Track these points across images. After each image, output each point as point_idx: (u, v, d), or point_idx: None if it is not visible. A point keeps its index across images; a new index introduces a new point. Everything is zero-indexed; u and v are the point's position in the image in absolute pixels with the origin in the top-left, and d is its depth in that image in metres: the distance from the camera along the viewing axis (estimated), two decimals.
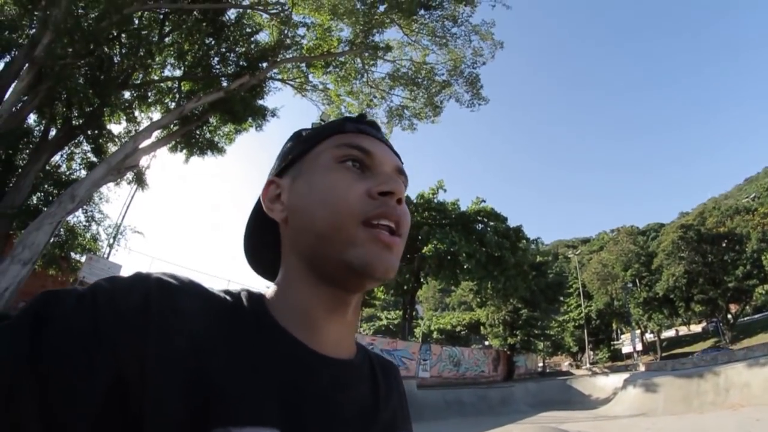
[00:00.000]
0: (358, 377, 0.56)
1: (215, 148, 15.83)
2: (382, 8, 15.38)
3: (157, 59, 12.60)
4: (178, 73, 13.98)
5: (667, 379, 13.35)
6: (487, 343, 36.39)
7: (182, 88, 14.08)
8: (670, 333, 53.81)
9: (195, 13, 12.56)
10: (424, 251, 23.71)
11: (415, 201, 26.86)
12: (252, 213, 0.64)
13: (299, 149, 0.60)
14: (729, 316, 38.22)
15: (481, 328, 35.01)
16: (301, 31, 15.95)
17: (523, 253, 27.69)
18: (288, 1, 14.49)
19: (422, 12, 15.81)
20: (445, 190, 27.83)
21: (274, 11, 14.96)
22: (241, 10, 14.40)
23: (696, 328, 52.85)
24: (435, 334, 41.98)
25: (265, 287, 0.58)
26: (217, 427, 0.38)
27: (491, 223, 27.23)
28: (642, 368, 21.95)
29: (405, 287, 27.36)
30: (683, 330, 54.78)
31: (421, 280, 28.05)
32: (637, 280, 41.20)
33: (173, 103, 14.08)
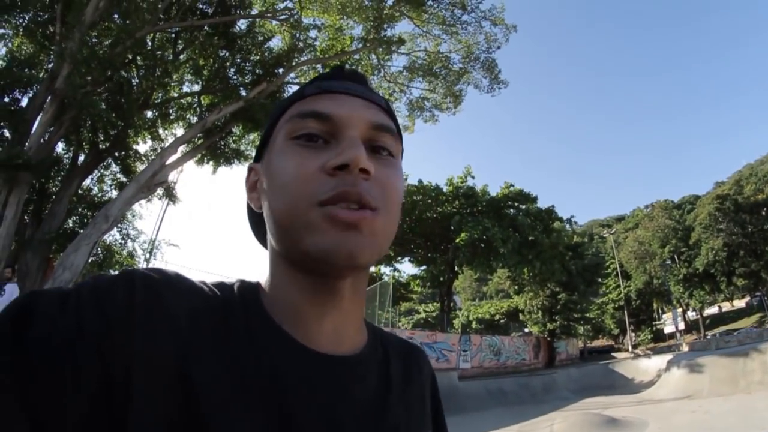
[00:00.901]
0: (362, 374, 0.51)
1: (242, 156, 16.17)
2: (390, 2, 15.34)
3: (174, 77, 12.98)
4: (196, 87, 14.37)
5: (712, 359, 12.83)
6: (526, 330, 35.72)
7: (202, 102, 14.46)
8: (712, 310, 51.60)
9: (205, 28, 12.85)
10: (457, 241, 23.46)
11: (445, 190, 26.56)
12: (247, 213, 0.60)
13: (267, 127, 0.55)
14: None
15: (520, 315, 34.30)
16: (313, 33, 16.11)
17: (558, 235, 27.03)
18: (296, 6, 14.63)
19: (430, 2, 15.68)
20: (473, 177, 27.32)
21: (283, 17, 15.15)
22: (250, 20, 14.66)
23: (740, 304, 50.75)
24: (474, 324, 41.67)
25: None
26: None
27: (522, 206, 26.72)
28: (685, 348, 21.04)
29: (441, 279, 27.23)
30: (726, 306, 52.66)
31: (456, 270, 27.84)
32: (675, 257, 39.58)
33: (195, 118, 14.49)
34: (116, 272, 0.43)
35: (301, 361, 0.46)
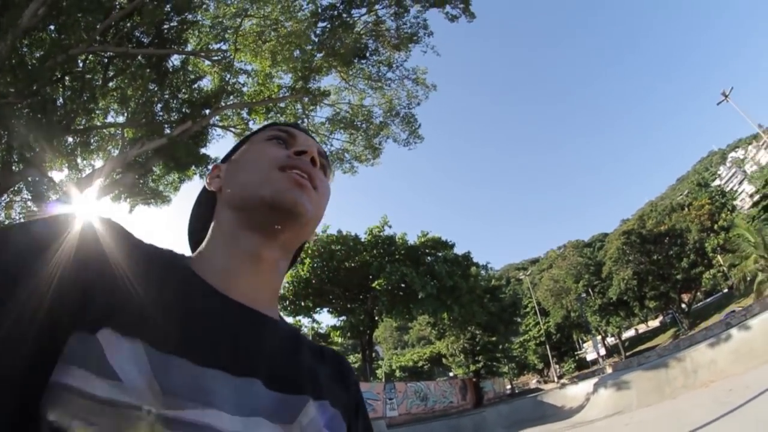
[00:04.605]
0: (275, 327, 0.57)
1: (160, 197, 15.33)
2: (319, 56, 15.96)
3: (100, 104, 12.15)
4: (121, 119, 13.54)
5: (636, 374, 13.65)
6: (451, 373, 36.04)
7: (125, 135, 13.60)
8: (630, 333, 56.26)
9: (139, 58, 12.36)
10: (374, 286, 23.44)
11: (364, 240, 26.76)
12: (194, 206, 0.74)
13: (237, 144, 0.73)
14: (683, 305, 40.47)
15: (443, 359, 34.81)
16: (243, 78, 16.14)
17: (475, 280, 28.11)
18: (230, 48, 14.69)
19: (358, 59, 16.59)
20: (390, 226, 27.61)
21: (217, 58, 15.11)
22: (184, 56, 14.37)
23: (654, 323, 55.70)
24: (397, 373, 41.37)
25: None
26: (77, 331, 0.40)
27: (439, 254, 27.41)
28: (609, 370, 22.44)
29: (361, 328, 26.77)
30: (642, 327, 57.57)
31: (376, 319, 27.64)
32: (589, 290, 43.14)
33: (116, 151, 13.55)
34: (53, 215, 0.48)
35: (214, 299, 0.52)
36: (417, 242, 27.52)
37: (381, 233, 27.09)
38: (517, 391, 35.36)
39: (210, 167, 0.77)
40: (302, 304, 25.32)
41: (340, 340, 28.77)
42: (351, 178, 19.77)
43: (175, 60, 14.23)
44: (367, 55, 16.88)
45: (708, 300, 50.86)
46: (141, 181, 14.75)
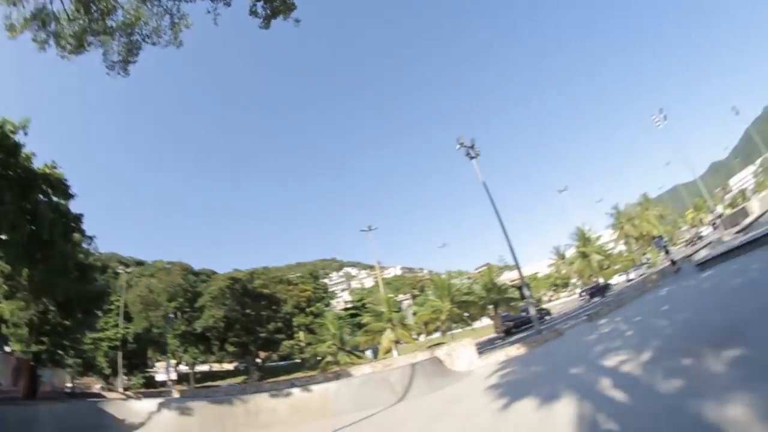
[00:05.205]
0: None
1: None
2: None
3: None
4: None
5: (201, 404, 14.97)
6: (8, 348, 28.76)
7: None
8: (204, 367, 59.20)
9: None
10: None
11: None
12: None
13: None
14: (258, 360, 47.90)
15: (4, 325, 27.63)
16: None
17: (74, 248, 25.76)
18: None
19: None
20: (26, 134, 22.09)
21: None
22: None
23: (229, 366, 60.72)
24: None
25: None
26: None
27: (54, 198, 24.18)
28: (177, 395, 23.63)
29: None
30: (217, 366, 61.25)
31: None
32: (179, 313, 45.19)
33: None
34: None
35: None
36: (41, 169, 23.33)
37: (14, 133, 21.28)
38: (77, 392, 33.41)
39: None
40: None
41: None
42: None
43: None
44: None
45: (281, 363, 59.53)
46: None
